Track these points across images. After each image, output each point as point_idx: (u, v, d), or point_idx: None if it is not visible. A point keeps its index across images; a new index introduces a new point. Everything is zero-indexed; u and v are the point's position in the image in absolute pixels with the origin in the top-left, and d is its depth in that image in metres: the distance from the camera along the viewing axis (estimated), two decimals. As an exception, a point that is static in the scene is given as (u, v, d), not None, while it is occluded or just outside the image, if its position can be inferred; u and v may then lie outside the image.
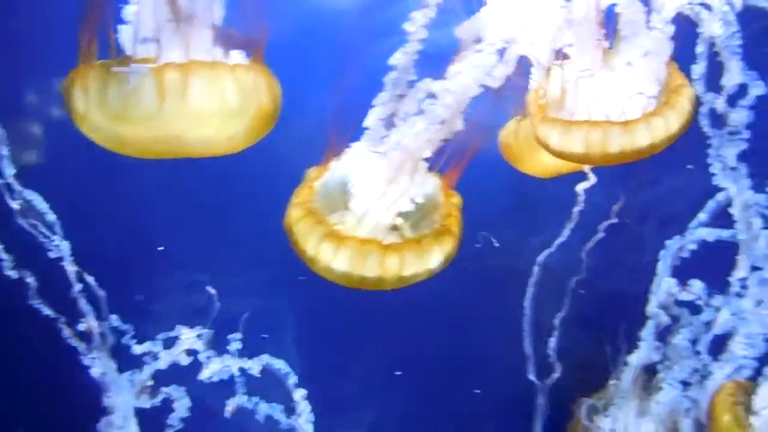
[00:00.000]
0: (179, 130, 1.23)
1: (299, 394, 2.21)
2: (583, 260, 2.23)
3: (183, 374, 2.20)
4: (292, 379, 2.21)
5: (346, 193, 1.53)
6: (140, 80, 1.19)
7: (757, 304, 2.16)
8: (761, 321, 2.16)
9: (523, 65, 1.61)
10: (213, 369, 2.20)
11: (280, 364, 2.23)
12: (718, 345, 2.24)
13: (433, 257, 1.44)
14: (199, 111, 1.22)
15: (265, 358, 2.23)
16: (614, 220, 2.20)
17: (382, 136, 1.48)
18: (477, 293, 2.38)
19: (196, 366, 2.22)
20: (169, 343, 2.18)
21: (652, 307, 2.30)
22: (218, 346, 2.22)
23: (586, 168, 2.00)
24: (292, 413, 2.22)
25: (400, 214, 1.53)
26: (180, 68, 1.20)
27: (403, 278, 1.44)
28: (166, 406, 2.21)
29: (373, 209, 1.49)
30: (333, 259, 1.39)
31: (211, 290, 2.22)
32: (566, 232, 2.16)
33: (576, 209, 2.08)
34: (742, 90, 1.96)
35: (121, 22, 1.26)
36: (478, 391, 2.43)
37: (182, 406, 2.21)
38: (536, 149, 1.92)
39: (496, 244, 2.23)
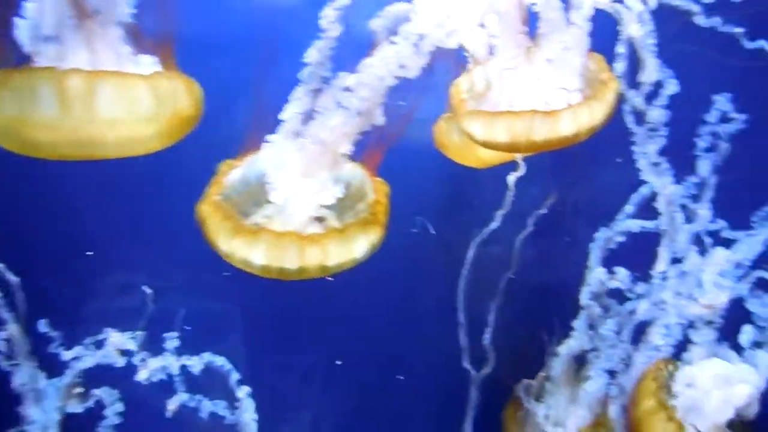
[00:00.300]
0: (90, 135, 1.20)
1: (242, 391, 2.21)
2: (516, 251, 2.29)
3: (119, 377, 2.17)
4: (234, 376, 2.21)
5: (266, 187, 1.55)
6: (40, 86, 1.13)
7: (677, 294, 2.26)
8: (679, 310, 2.27)
9: (451, 58, 1.67)
10: (150, 369, 2.18)
11: (221, 361, 2.22)
12: (640, 333, 2.34)
13: (358, 246, 1.46)
14: (109, 119, 1.20)
15: (206, 356, 2.21)
16: (544, 211, 2.26)
17: (299, 129, 1.50)
18: (413, 281, 2.42)
19: (132, 368, 2.19)
20: (100, 346, 2.14)
21: (583, 297, 2.39)
22: (154, 346, 2.20)
23: (519, 158, 2.07)
24: (235, 409, 2.22)
25: (324, 205, 1.55)
26: (86, 76, 1.16)
27: (327, 268, 1.45)
28: (99, 409, 2.18)
29: (293, 202, 1.52)
30: (249, 253, 1.40)
31: (147, 290, 2.20)
32: (498, 223, 2.21)
33: (508, 200, 2.14)
34: (659, 87, 2.07)
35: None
36: (413, 379, 2.47)
37: (115, 409, 2.18)
38: (470, 142, 2.00)
39: (433, 231, 2.27)
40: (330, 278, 1.50)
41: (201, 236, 1.48)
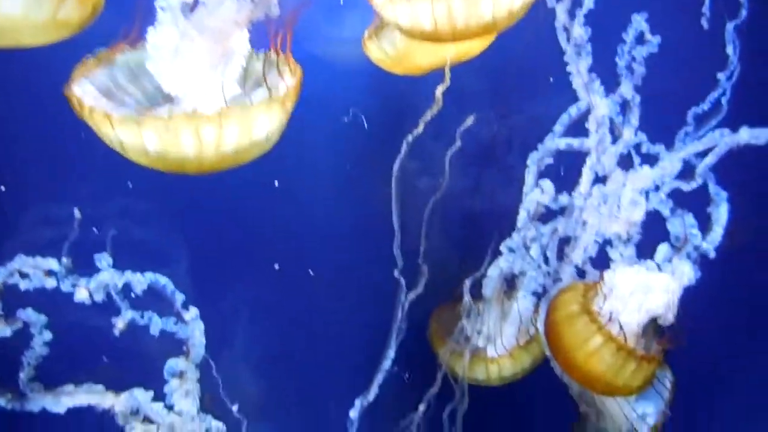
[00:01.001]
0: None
1: (189, 313, 2.18)
2: (447, 169, 2.32)
3: (59, 300, 2.13)
4: (180, 297, 2.18)
5: (158, 80, 1.51)
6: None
7: (599, 212, 2.34)
8: (601, 228, 2.35)
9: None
10: (91, 288, 2.14)
11: (163, 281, 2.18)
12: (564, 250, 2.41)
13: (258, 126, 1.43)
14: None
15: (148, 276, 2.17)
16: (474, 125, 2.29)
17: (188, 17, 1.46)
18: (348, 185, 2.43)
19: (70, 292, 2.15)
20: (27, 273, 2.10)
21: (517, 216, 2.45)
22: (89, 268, 2.16)
23: (446, 70, 2.11)
24: (184, 325, 2.17)
25: (227, 93, 1.52)
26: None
27: (224, 153, 1.42)
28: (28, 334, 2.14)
29: (189, 93, 1.50)
30: (139, 142, 1.37)
31: (77, 213, 2.15)
32: (426, 136, 2.24)
33: (435, 110, 2.17)
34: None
35: None
36: (347, 291, 2.49)
37: (45, 337, 2.14)
38: (401, 48, 2.04)
39: (366, 125, 2.28)
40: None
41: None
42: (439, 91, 2.13)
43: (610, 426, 2.48)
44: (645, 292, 2.08)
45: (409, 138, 2.22)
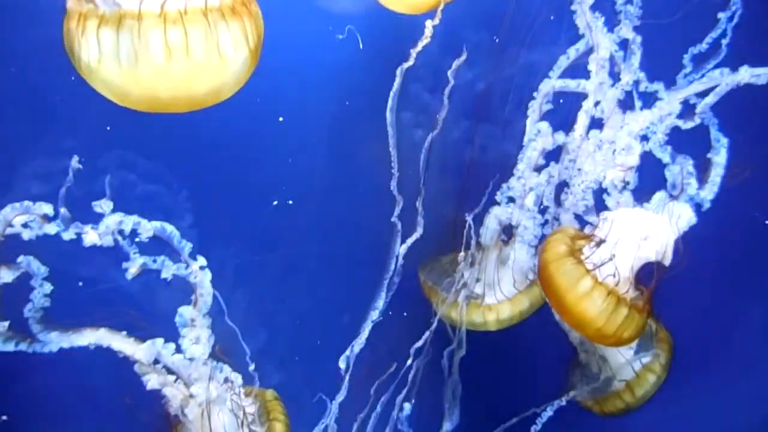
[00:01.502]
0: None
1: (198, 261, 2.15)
2: (444, 106, 2.30)
3: (66, 248, 2.10)
4: (187, 247, 2.15)
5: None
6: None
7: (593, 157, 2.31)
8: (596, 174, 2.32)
9: None
10: (99, 232, 2.11)
11: (169, 228, 2.14)
12: (560, 199, 2.38)
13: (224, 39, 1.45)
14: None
15: (156, 224, 2.11)
16: (463, 58, 2.26)
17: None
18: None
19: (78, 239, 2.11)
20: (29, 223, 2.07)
21: (515, 164, 2.43)
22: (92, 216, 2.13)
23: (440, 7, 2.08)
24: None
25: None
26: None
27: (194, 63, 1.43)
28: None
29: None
30: (108, 57, 1.39)
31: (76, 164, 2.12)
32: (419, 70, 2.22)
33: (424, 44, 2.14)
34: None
35: None
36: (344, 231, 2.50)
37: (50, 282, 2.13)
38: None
39: (361, 45, 2.24)
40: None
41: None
42: (429, 25, 2.10)
43: (611, 374, 2.49)
44: (642, 235, 2.07)
45: (404, 67, 2.18)
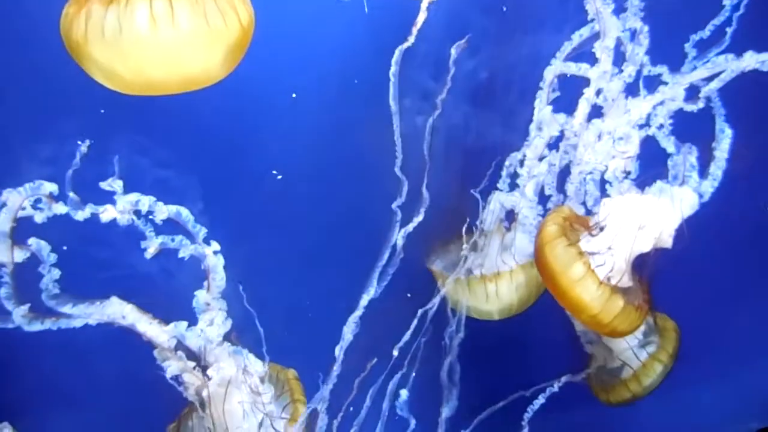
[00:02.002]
0: None
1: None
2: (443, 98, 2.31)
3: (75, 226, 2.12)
4: (202, 231, 2.16)
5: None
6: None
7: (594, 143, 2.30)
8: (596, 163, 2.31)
9: None
10: (119, 209, 2.12)
11: (185, 212, 2.15)
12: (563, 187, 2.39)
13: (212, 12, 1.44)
14: None
15: (174, 208, 2.14)
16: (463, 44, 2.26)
17: None
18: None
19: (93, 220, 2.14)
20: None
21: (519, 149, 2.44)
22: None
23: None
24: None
25: None
26: None
27: (181, 30, 1.43)
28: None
29: None
30: (93, 31, 1.42)
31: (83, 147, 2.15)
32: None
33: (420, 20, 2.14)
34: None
35: None
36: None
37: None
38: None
39: (366, 9, 2.24)
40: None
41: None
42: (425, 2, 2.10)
43: (617, 365, 2.49)
44: (639, 224, 2.05)
45: (403, 47, 2.19)
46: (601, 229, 2.07)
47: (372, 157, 2.40)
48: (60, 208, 2.09)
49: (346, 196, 2.48)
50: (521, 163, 2.45)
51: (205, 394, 2.11)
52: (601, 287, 1.93)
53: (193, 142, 2.33)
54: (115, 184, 2.11)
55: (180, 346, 2.15)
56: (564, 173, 2.39)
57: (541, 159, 2.41)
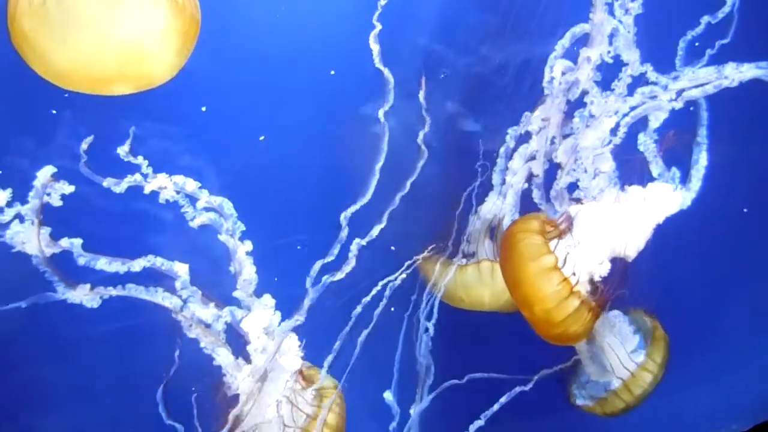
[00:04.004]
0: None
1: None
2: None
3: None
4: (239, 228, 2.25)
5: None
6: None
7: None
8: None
9: None
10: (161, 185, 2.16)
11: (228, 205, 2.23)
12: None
13: None
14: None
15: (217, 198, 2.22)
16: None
17: None
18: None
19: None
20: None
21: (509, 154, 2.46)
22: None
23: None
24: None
25: None
26: None
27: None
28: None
29: None
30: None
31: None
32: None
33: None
34: None
35: None
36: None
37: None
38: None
39: None
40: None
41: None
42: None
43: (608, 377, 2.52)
44: (606, 232, 2.08)
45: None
46: (568, 231, 2.09)
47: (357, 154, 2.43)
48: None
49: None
50: (506, 167, 2.47)
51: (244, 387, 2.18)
52: (562, 284, 1.95)
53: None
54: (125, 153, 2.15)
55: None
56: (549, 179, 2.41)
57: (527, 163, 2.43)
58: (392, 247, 2.49)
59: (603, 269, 2.05)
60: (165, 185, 2.14)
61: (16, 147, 2.16)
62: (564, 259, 2.00)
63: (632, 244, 2.05)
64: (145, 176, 2.16)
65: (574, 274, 2.00)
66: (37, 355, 2.39)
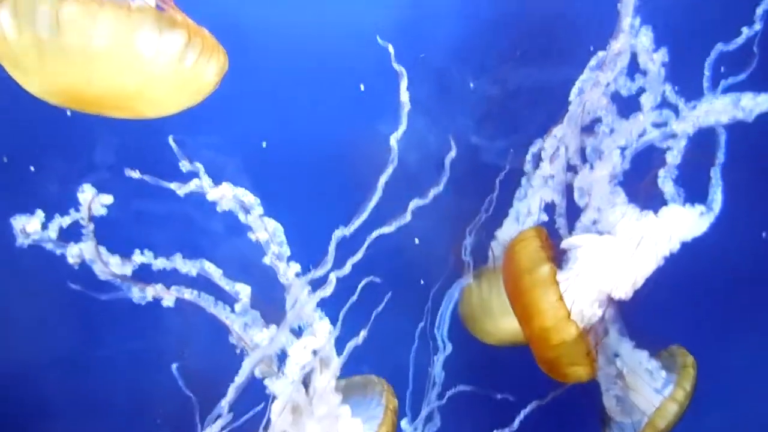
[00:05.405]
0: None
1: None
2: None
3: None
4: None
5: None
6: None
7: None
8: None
9: None
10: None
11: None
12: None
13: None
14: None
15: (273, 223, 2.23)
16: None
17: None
18: None
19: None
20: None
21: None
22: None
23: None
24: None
25: None
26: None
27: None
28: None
29: None
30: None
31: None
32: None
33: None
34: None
35: None
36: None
37: None
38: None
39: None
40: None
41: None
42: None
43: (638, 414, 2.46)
44: (604, 266, 2.06)
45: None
46: (568, 261, 2.09)
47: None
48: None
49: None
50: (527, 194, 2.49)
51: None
52: (560, 302, 1.92)
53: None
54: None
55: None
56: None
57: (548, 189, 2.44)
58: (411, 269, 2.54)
59: (600, 309, 2.04)
60: (226, 194, 2.15)
61: (56, 164, 2.34)
62: (564, 287, 1.97)
63: (637, 281, 2.03)
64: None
65: (573, 302, 1.97)
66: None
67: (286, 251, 2.22)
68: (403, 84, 2.17)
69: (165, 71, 1.48)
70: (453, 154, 2.33)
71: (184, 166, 2.13)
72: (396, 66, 2.16)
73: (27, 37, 1.43)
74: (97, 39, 1.42)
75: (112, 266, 2.08)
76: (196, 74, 1.53)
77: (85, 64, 1.45)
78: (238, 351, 2.18)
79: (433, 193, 2.32)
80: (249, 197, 2.17)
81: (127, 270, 2.09)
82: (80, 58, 1.43)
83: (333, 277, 2.16)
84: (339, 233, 2.18)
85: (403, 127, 2.18)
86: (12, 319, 2.56)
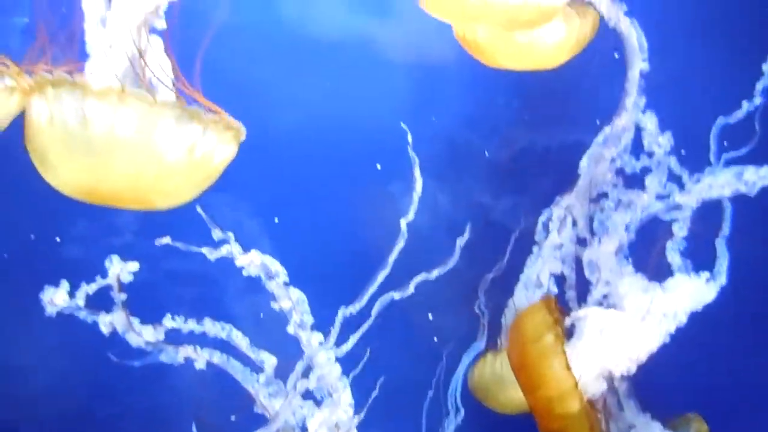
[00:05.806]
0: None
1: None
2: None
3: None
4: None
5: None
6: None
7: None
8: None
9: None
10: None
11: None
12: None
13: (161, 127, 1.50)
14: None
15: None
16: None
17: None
18: None
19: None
20: None
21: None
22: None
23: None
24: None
25: None
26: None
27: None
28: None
29: None
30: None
31: None
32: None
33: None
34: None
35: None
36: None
37: None
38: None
39: None
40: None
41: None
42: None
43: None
44: (610, 341, 2.08)
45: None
46: (575, 334, 2.10)
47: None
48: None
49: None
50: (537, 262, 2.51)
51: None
52: (567, 372, 1.90)
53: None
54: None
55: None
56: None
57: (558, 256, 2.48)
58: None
59: (605, 383, 2.05)
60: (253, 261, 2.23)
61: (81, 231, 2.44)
62: (571, 358, 1.98)
63: (641, 357, 2.05)
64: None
65: (580, 375, 1.97)
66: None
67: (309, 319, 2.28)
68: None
69: (179, 161, 1.56)
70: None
71: (216, 234, 2.21)
72: (411, 152, 2.28)
73: (58, 129, 1.52)
74: (120, 129, 1.50)
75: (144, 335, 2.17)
76: (206, 162, 1.61)
77: (108, 154, 1.52)
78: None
79: (447, 259, 2.40)
80: (276, 265, 2.23)
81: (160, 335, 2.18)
82: (104, 148, 1.51)
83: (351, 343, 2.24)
84: (347, 311, 2.24)
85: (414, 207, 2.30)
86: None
